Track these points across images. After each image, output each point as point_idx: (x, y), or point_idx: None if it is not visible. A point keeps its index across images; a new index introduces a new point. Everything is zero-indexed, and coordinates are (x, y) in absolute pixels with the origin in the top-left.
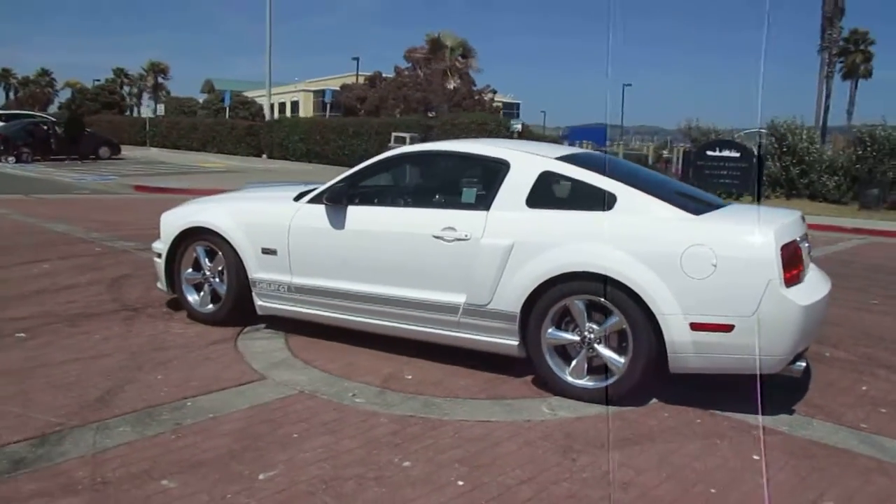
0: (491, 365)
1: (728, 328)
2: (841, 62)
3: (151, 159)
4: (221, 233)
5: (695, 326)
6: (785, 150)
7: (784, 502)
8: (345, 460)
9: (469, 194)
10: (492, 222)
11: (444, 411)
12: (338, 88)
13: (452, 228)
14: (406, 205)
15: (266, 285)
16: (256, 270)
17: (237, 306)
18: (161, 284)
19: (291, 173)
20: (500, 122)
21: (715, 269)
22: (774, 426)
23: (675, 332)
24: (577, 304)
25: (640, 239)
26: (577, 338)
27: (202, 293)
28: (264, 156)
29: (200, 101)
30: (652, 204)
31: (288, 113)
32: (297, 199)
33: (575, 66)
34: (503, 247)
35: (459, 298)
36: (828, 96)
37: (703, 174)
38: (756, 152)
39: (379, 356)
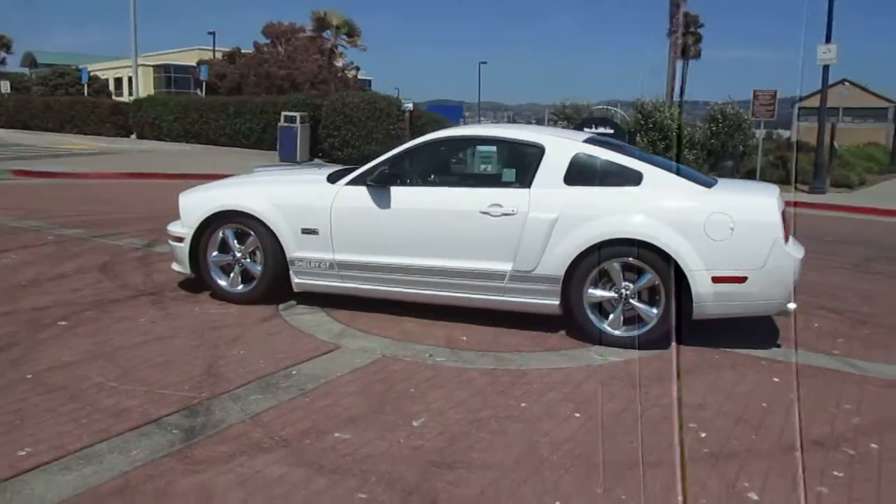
0: (526, 324)
1: (742, 279)
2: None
3: (3, 141)
4: (257, 215)
5: (715, 279)
6: (651, 126)
7: (816, 409)
8: (470, 406)
9: (509, 174)
10: (535, 198)
11: (518, 363)
12: (193, 64)
13: (499, 205)
14: (449, 185)
15: (306, 263)
16: (295, 250)
17: (272, 285)
18: (181, 267)
19: (173, 154)
20: (391, 102)
21: (732, 232)
22: (774, 357)
23: (700, 285)
24: (615, 266)
25: (669, 209)
26: (614, 294)
27: (231, 274)
28: (133, 136)
29: (30, 76)
30: (673, 179)
31: (125, 89)
32: (333, 180)
33: (426, 44)
34: (549, 220)
35: (506, 266)
36: (674, 76)
37: None
38: (613, 128)
39: (422, 323)
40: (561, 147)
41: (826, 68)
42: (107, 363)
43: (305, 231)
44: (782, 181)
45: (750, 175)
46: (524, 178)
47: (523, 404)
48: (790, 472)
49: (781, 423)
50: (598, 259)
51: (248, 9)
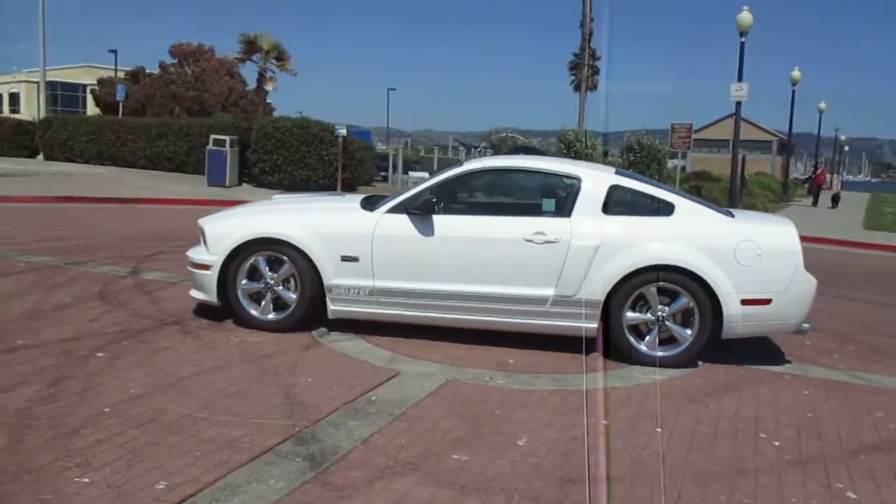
0: (559, 347)
1: (768, 301)
2: (573, 75)
3: None
4: (295, 242)
5: (744, 302)
6: (573, 154)
7: (855, 418)
8: (559, 425)
9: (549, 204)
10: (577, 227)
11: (575, 384)
12: (84, 82)
13: (542, 233)
14: (491, 213)
15: (344, 290)
16: (333, 277)
17: (308, 313)
18: (204, 295)
19: (93, 177)
20: (323, 127)
21: (760, 258)
22: (791, 372)
23: (731, 307)
24: (652, 290)
25: (702, 237)
26: (651, 317)
27: (263, 302)
28: (40, 157)
29: None
30: (702, 210)
31: (5, 106)
32: (369, 208)
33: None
34: (591, 247)
35: (549, 291)
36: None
37: None
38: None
39: (461, 347)
40: (597, 178)
41: (738, 104)
42: (180, 395)
43: (345, 258)
44: None
45: None
46: (563, 207)
47: (605, 422)
48: (869, 474)
49: (836, 431)
50: (638, 283)
51: (148, 27)
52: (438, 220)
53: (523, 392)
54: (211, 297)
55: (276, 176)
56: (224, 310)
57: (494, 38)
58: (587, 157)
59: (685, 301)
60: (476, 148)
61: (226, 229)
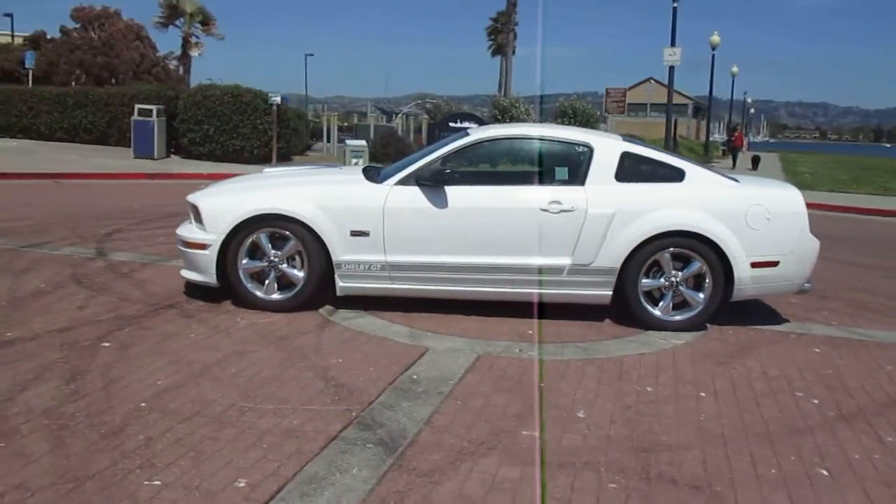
0: (571, 315)
1: (775, 264)
2: (491, 41)
3: None
4: (302, 218)
5: (754, 265)
6: (507, 120)
7: (872, 373)
8: (608, 395)
9: (562, 172)
10: (592, 195)
11: (604, 352)
12: None
13: (558, 202)
14: (504, 183)
15: (354, 266)
16: (342, 253)
17: (316, 291)
18: (201, 276)
19: (6, 152)
20: (256, 95)
21: (769, 222)
22: (796, 331)
23: (742, 270)
24: (666, 256)
25: (713, 202)
26: (665, 282)
27: (266, 282)
28: None
29: None
30: (711, 175)
31: None
32: (377, 180)
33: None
34: (607, 215)
35: (565, 260)
36: (506, 72)
37: None
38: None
39: (474, 320)
40: (608, 146)
41: (671, 68)
42: (213, 383)
43: (355, 233)
44: None
45: None
46: (577, 175)
47: (649, 388)
48: None
49: (860, 386)
50: (653, 250)
51: None
52: (451, 191)
53: (559, 363)
54: (208, 277)
55: (208, 147)
56: (219, 290)
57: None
58: (521, 123)
59: (698, 265)
60: (397, 114)
61: (225, 206)
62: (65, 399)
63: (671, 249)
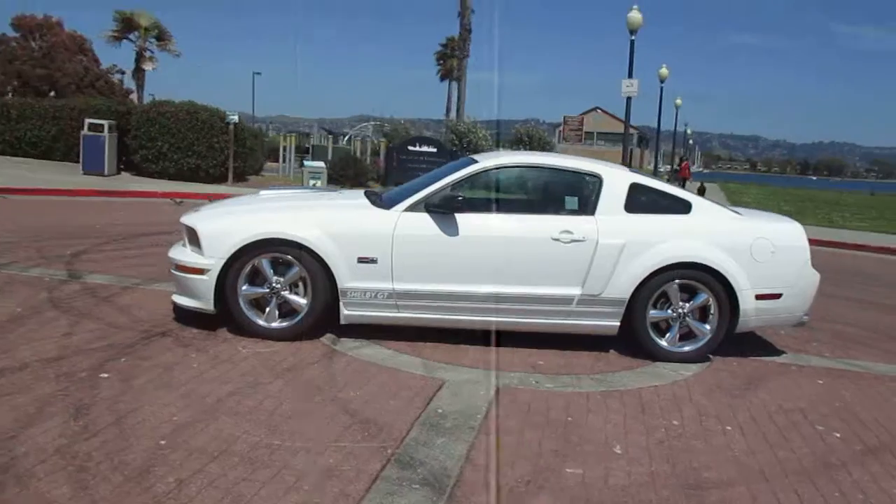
0: (573, 345)
1: (778, 296)
2: (440, 65)
3: None
4: (307, 244)
5: (758, 297)
6: (465, 145)
7: (873, 403)
8: (636, 429)
9: (571, 202)
10: (602, 226)
11: (620, 384)
12: None
13: (569, 231)
14: (513, 211)
15: (360, 294)
16: (349, 280)
17: (320, 319)
18: (196, 302)
19: None
20: (213, 113)
21: (773, 255)
22: (795, 362)
23: (747, 302)
24: (674, 287)
25: (720, 234)
26: (672, 314)
27: (268, 309)
28: None
29: None
30: (716, 208)
31: None
32: (383, 206)
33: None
34: (618, 245)
35: (575, 290)
36: (459, 97)
37: (406, 167)
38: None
39: (481, 350)
40: (618, 176)
41: (628, 99)
42: (233, 419)
43: (362, 260)
44: None
45: None
46: (586, 205)
47: (675, 422)
48: None
49: (873, 419)
50: (662, 281)
51: None
52: (461, 218)
53: (579, 395)
54: (205, 304)
55: (161, 164)
56: (212, 317)
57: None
58: (478, 149)
59: (705, 297)
60: (344, 136)
61: (225, 229)
62: (76, 437)
63: (679, 281)
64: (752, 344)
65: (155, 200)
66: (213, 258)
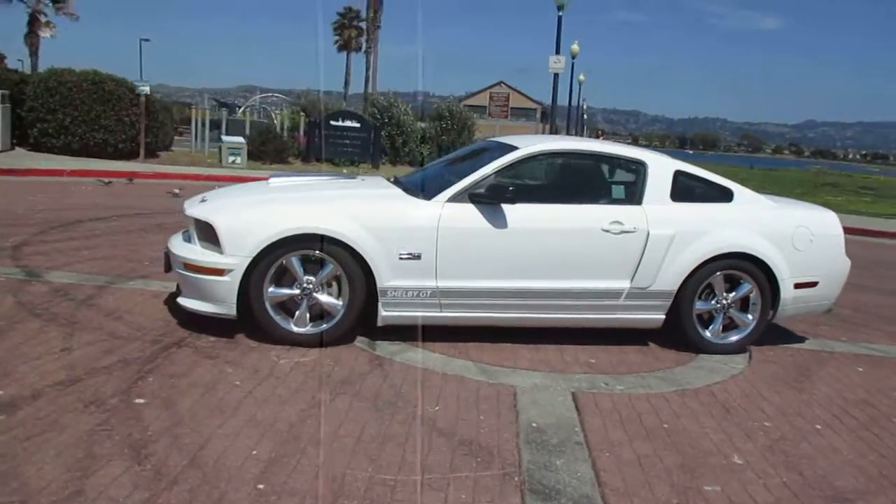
0: (611, 340)
1: (814, 284)
2: (338, 36)
3: None
4: (344, 239)
5: (797, 286)
6: (387, 120)
7: None
8: (732, 432)
9: (618, 190)
10: (651, 215)
11: (685, 382)
12: None
13: (619, 222)
14: (560, 201)
15: (401, 293)
16: (390, 278)
17: (356, 322)
18: (216, 307)
19: None
20: (121, 83)
21: (811, 243)
22: (827, 349)
23: (787, 291)
24: (719, 278)
25: (763, 223)
26: (717, 305)
27: (297, 312)
28: None
29: None
30: (756, 196)
31: None
32: (423, 196)
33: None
34: (668, 236)
35: (624, 283)
36: (367, 68)
37: (329, 143)
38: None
39: (529, 348)
40: (662, 164)
41: (556, 76)
42: (323, 450)
43: (405, 256)
44: None
45: None
46: (633, 194)
47: (766, 423)
48: None
49: None
50: (709, 272)
51: None
52: (508, 209)
53: (656, 398)
54: (226, 309)
55: (64, 139)
56: (225, 322)
57: None
58: (401, 125)
59: (749, 287)
60: (239, 107)
61: (250, 224)
62: (153, 485)
63: (724, 271)
64: (770, 331)
65: (64, 180)
66: (235, 257)
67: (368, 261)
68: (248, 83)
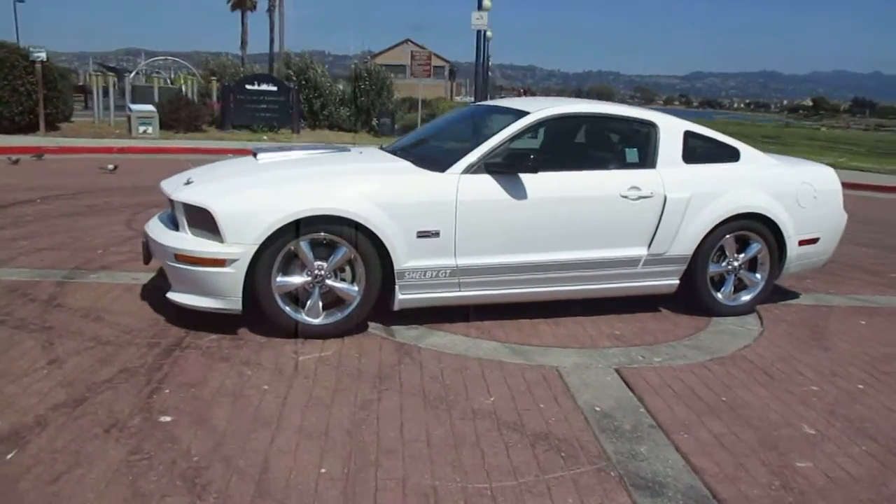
0: (622, 308)
1: (816, 241)
2: None
3: None
4: (359, 219)
5: (800, 243)
6: (304, 83)
7: None
8: (790, 402)
9: (632, 154)
10: (667, 179)
11: (717, 350)
12: None
13: (636, 187)
14: (576, 168)
15: (419, 274)
16: (407, 259)
17: (371, 308)
18: (218, 302)
19: None
20: (13, 50)
21: (815, 199)
22: (822, 303)
23: (793, 249)
24: (729, 239)
25: (770, 182)
26: (728, 266)
27: (309, 302)
28: None
29: None
30: (760, 154)
31: None
32: (433, 168)
33: None
34: (685, 199)
35: (641, 251)
36: (271, 28)
37: (245, 108)
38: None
39: (548, 323)
40: (672, 124)
41: (480, 32)
42: (397, 460)
43: (422, 234)
44: None
45: (408, 129)
46: (646, 157)
47: (814, 388)
48: None
49: None
50: (721, 234)
51: None
52: (527, 178)
53: (698, 368)
54: (230, 303)
55: None
56: (224, 318)
57: None
58: (318, 87)
59: (758, 247)
60: (129, 72)
61: (253, 207)
62: None
63: (737, 233)
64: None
65: None
66: (239, 245)
67: (385, 241)
68: (131, 46)
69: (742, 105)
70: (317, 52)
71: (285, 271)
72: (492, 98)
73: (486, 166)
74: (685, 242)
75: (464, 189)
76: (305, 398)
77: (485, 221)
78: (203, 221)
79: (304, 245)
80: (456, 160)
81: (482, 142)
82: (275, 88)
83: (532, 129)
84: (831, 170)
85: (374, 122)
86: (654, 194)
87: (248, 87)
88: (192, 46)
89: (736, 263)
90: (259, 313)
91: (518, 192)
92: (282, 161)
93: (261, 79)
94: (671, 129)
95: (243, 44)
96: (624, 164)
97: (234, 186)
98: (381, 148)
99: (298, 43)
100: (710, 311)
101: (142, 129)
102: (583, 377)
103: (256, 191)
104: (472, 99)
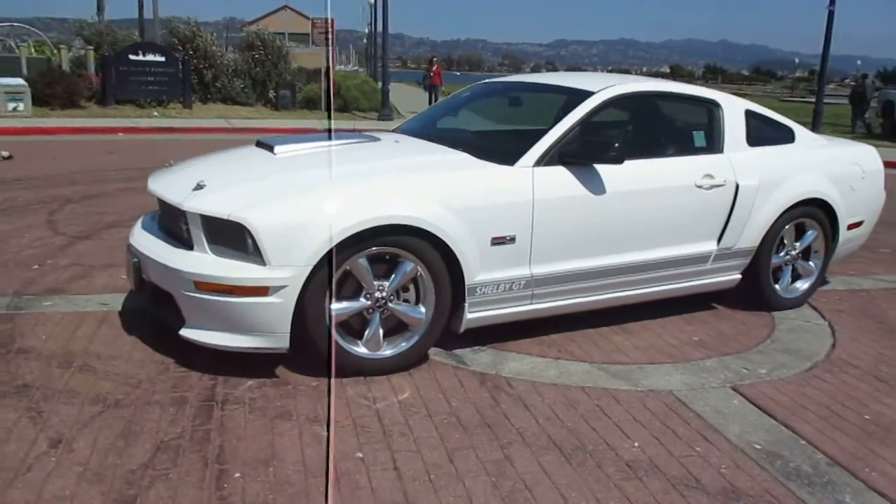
0: (687, 307)
1: (860, 224)
2: None
3: None
4: (429, 228)
5: (849, 226)
6: (192, 53)
7: None
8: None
9: (699, 137)
10: (736, 165)
11: (808, 353)
12: None
13: (710, 175)
14: (648, 155)
15: (491, 288)
16: (479, 271)
17: (440, 333)
18: (258, 340)
19: None
20: None
21: (863, 181)
22: (856, 286)
23: (843, 234)
24: (790, 229)
25: (825, 164)
26: (787, 257)
27: (368, 331)
28: None
29: None
30: (812, 135)
31: None
32: (499, 161)
33: None
34: (754, 187)
35: (712, 246)
36: None
37: (128, 81)
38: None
39: (616, 332)
40: (733, 103)
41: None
42: None
43: (497, 241)
44: (340, 109)
45: (311, 104)
46: (713, 141)
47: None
48: None
49: None
50: (784, 223)
51: None
52: (604, 170)
53: (814, 379)
54: (275, 341)
55: None
56: (247, 358)
57: None
58: (208, 57)
59: (814, 234)
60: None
61: (303, 218)
62: None
63: (797, 220)
64: None
65: None
66: (288, 267)
67: (457, 252)
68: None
69: (606, 72)
70: (178, 19)
71: (338, 296)
72: (430, 71)
73: (560, 157)
74: (752, 234)
75: (539, 185)
76: (420, 468)
77: (563, 222)
78: (230, 238)
79: (362, 262)
80: (523, 150)
81: (547, 128)
82: (162, 59)
83: (600, 111)
84: (874, 149)
85: (272, 94)
86: (727, 182)
87: (131, 57)
88: (30, 12)
89: (794, 253)
90: (301, 348)
91: (596, 186)
92: (306, 155)
93: (146, 48)
94: (733, 109)
95: (100, 9)
96: (693, 150)
97: (269, 192)
98: (400, 133)
99: (162, 9)
100: (769, 305)
101: (11, 105)
102: (708, 402)
103: (300, 198)
104: (360, 68)
